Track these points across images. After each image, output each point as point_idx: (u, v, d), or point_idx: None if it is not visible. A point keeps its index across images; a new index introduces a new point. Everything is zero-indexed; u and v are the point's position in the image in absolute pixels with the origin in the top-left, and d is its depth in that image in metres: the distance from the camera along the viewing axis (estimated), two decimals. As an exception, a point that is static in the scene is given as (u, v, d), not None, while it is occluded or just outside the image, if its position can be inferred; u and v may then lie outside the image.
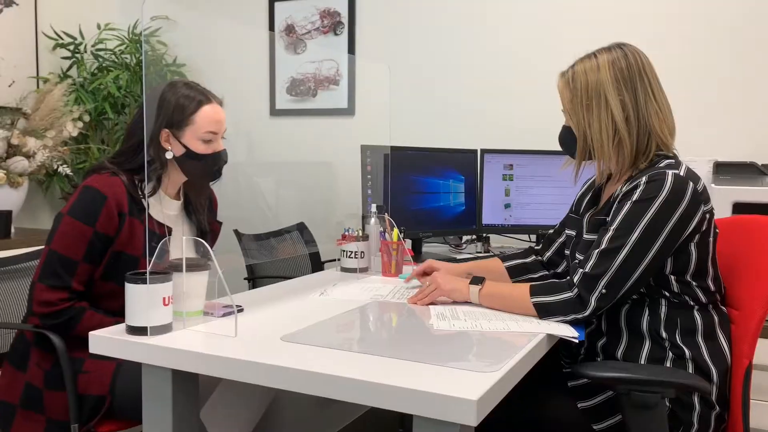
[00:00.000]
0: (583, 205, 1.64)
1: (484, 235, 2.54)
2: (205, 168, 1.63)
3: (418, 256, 2.31)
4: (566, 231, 1.68)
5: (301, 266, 2.69)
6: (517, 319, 1.40)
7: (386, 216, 2.01)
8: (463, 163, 2.49)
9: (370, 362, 1.10)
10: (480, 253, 2.50)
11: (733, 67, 2.50)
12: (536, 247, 1.80)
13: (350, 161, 2.89)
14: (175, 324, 1.28)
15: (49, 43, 3.26)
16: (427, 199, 2.38)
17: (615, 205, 1.41)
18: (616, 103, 1.41)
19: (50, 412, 1.54)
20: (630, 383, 1.21)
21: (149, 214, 1.61)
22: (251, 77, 3.33)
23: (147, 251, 1.54)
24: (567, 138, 1.53)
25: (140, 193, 1.60)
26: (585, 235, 1.50)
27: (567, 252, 1.64)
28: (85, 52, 3.30)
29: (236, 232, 2.57)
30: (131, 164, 1.60)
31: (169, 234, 1.66)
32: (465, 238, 2.63)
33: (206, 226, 1.77)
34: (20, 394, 1.56)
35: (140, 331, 1.23)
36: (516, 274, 1.74)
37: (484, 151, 2.49)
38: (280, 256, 2.61)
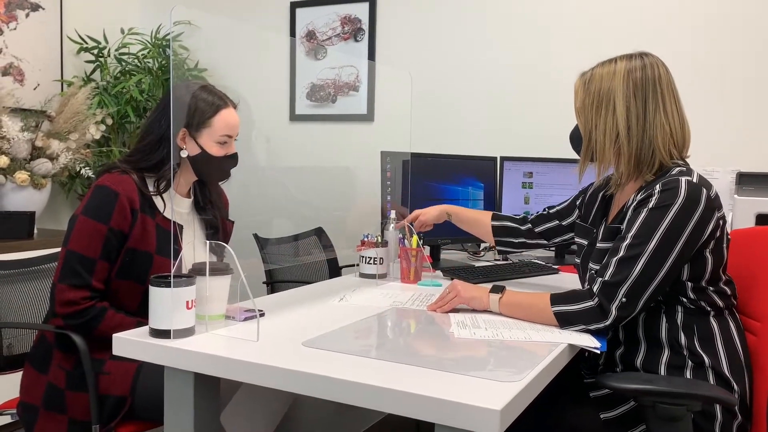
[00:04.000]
0: (592, 213, 1.64)
1: (503, 242, 2.53)
2: (217, 169, 1.68)
3: (436, 262, 2.31)
4: (576, 239, 1.69)
5: (319, 271, 2.69)
6: (538, 329, 1.40)
7: (406, 222, 2.01)
8: (483, 171, 2.48)
9: (392, 369, 1.10)
10: (498, 260, 2.49)
11: (756, 75, 2.47)
12: (530, 217, 1.91)
13: (369, 167, 2.90)
14: (198, 327, 1.29)
15: (74, 47, 3.30)
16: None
17: (630, 213, 1.41)
18: (623, 111, 1.42)
19: (72, 413, 1.56)
20: (656, 395, 1.20)
21: (160, 213, 1.63)
22: (272, 82, 3.35)
23: (172, 253, 1.56)
24: (575, 137, 1.57)
25: (156, 189, 1.63)
26: (599, 244, 1.50)
27: (578, 261, 1.64)
28: (109, 56, 3.34)
29: (255, 236, 2.59)
30: (147, 162, 1.63)
31: (180, 232, 1.68)
32: (483, 245, 2.62)
33: (218, 224, 1.79)
34: (42, 395, 1.58)
35: (163, 334, 1.24)
36: (498, 233, 1.93)
37: (503, 159, 2.48)
38: (299, 261, 2.62)
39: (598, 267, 1.45)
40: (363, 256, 2.00)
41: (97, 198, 1.56)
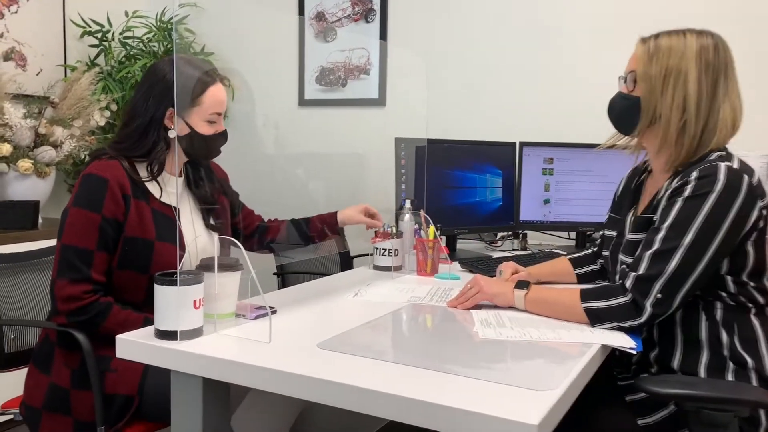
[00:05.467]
0: (624, 204, 1.56)
1: (521, 232, 2.44)
2: (207, 148, 1.61)
3: (452, 253, 2.22)
4: (605, 231, 1.60)
5: (330, 262, 2.61)
6: (567, 327, 1.31)
7: (422, 212, 1.92)
8: (501, 157, 2.38)
9: (414, 376, 1.02)
10: (516, 250, 2.40)
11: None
12: (596, 250, 1.74)
13: (380, 153, 2.81)
14: (206, 327, 1.21)
15: (77, 31, 3.21)
16: (462, 194, 2.29)
17: (664, 202, 1.33)
18: (694, 86, 1.32)
19: (77, 413, 1.49)
20: (701, 401, 1.11)
21: (155, 198, 1.56)
22: (280, 66, 3.25)
23: (178, 243, 1.49)
24: (620, 105, 1.44)
25: (150, 175, 1.56)
26: (629, 235, 1.42)
27: (605, 253, 1.56)
28: (113, 40, 3.25)
29: (265, 225, 2.50)
30: (138, 149, 1.55)
31: (178, 214, 1.61)
32: (500, 234, 2.53)
33: (212, 199, 1.72)
34: (44, 397, 1.51)
35: (170, 335, 1.16)
36: (586, 281, 1.72)
37: (523, 144, 2.38)
38: (310, 255, 2.54)
39: (629, 260, 1.37)
40: (377, 248, 1.91)
41: (86, 187, 1.49)
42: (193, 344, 1.15)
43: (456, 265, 2.01)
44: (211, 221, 1.72)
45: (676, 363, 1.32)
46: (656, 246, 1.28)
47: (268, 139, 3.33)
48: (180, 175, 1.67)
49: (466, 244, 2.47)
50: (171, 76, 1.54)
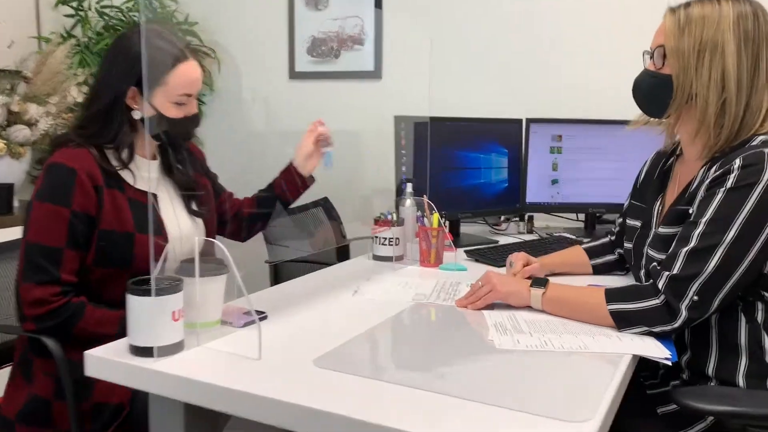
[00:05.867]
0: (649, 192, 1.41)
1: (528, 214, 2.30)
2: (176, 133, 1.45)
3: (456, 239, 2.08)
4: (628, 221, 1.46)
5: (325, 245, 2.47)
6: (591, 333, 1.18)
7: (425, 198, 1.77)
8: (507, 135, 2.23)
9: (425, 404, 0.88)
10: (522, 233, 2.27)
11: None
12: (614, 239, 1.62)
13: (376, 129, 2.64)
14: (188, 340, 1.07)
15: (51, -1, 3.01)
16: (465, 175, 2.14)
17: (702, 193, 1.19)
18: (733, 60, 1.18)
19: (59, 425, 1.36)
20: (747, 418, 0.99)
21: (130, 185, 1.41)
22: (268, 36, 3.06)
23: (151, 235, 1.34)
24: (647, 84, 1.29)
25: (120, 162, 1.40)
26: (660, 228, 1.28)
27: (627, 245, 1.42)
28: (90, 9, 3.04)
29: (255, 209, 2.35)
30: (103, 137, 1.39)
31: (156, 201, 1.46)
32: (504, 216, 2.38)
33: (193, 183, 1.56)
34: (21, 407, 1.37)
35: (145, 352, 1.02)
36: (603, 272, 1.63)
37: (530, 121, 2.23)
38: (306, 241, 2.39)
39: (660, 257, 1.23)
40: (377, 237, 1.77)
41: (51, 178, 1.33)
42: (172, 362, 1.01)
43: (461, 253, 1.86)
44: (194, 206, 1.56)
45: (710, 369, 1.20)
46: (693, 243, 1.15)
47: (257, 115, 3.15)
48: (154, 158, 1.51)
49: (469, 227, 2.33)
50: (136, 50, 1.36)
